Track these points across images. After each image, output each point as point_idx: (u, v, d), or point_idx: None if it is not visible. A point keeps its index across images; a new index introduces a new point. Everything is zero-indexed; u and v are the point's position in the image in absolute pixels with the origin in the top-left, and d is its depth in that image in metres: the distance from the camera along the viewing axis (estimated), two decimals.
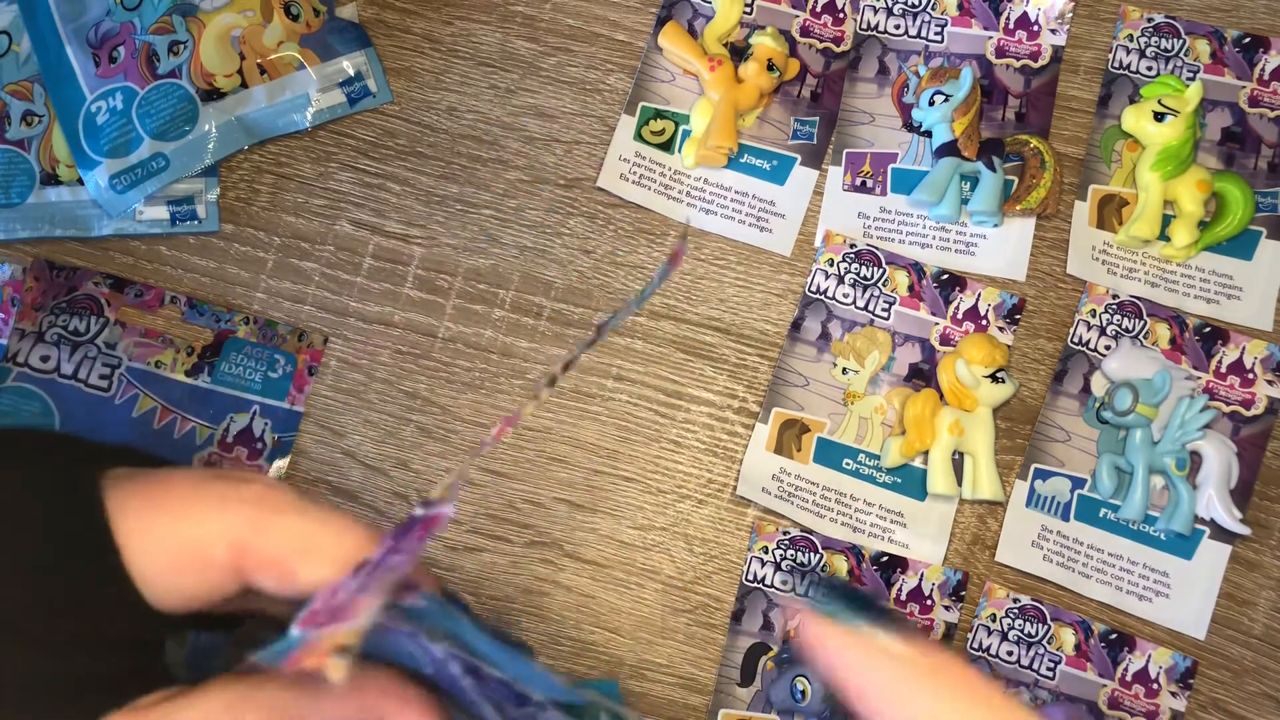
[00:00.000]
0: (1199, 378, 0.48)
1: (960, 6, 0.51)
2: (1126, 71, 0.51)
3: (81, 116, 0.50)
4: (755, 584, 0.47)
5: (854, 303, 0.49)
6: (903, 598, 0.47)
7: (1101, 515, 0.47)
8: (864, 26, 0.52)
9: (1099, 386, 0.48)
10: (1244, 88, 0.50)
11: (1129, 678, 0.46)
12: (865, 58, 0.51)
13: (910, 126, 0.51)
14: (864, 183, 0.50)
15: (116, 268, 0.50)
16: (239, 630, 0.34)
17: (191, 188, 0.51)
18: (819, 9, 0.52)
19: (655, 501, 0.48)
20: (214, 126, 0.50)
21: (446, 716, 0.32)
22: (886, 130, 0.51)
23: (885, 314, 0.49)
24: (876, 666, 0.28)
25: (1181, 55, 0.51)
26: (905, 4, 0.51)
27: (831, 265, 0.49)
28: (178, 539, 0.28)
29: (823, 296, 0.49)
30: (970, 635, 0.47)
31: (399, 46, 0.52)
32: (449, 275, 0.50)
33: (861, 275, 0.49)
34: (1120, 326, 0.48)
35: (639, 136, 0.51)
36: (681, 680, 0.47)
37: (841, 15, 0.52)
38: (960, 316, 0.49)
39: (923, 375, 0.49)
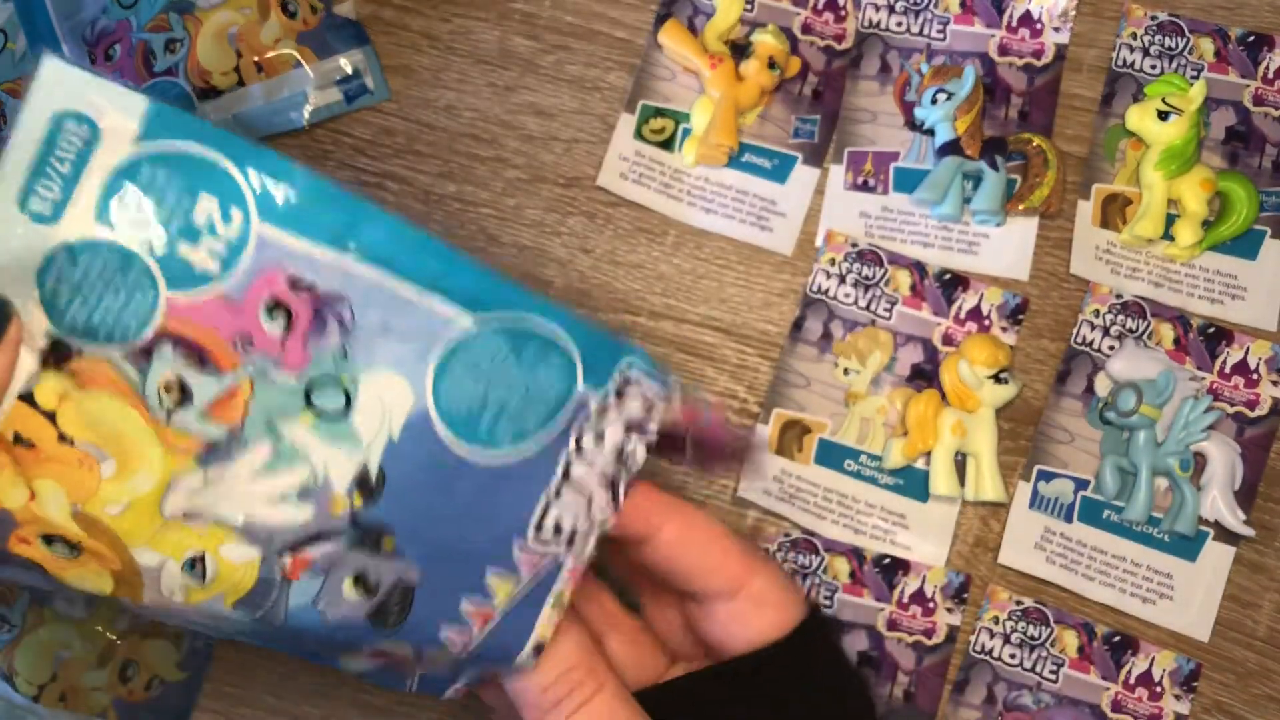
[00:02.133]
0: (1203, 378, 0.48)
1: (963, 4, 0.51)
2: (1130, 70, 0.50)
3: None
4: None
5: (856, 302, 0.49)
6: (905, 600, 0.47)
7: (1105, 517, 0.47)
8: (866, 24, 0.51)
9: (1102, 387, 0.48)
10: (1248, 86, 0.50)
11: (1132, 681, 0.46)
12: (867, 56, 0.51)
13: (912, 125, 0.50)
14: (866, 181, 0.50)
15: None
16: None
17: None
18: (820, 6, 0.51)
19: None
20: None
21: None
22: (888, 129, 0.51)
23: (887, 314, 0.49)
24: None
25: (1185, 54, 0.50)
26: (907, 2, 0.51)
27: (833, 265, 0.49)
28: None
29: (824, 296, 0.49)
30: (973, 638, 0.46)
31: (397, 44, 0.52)
32: None
33: (863, 275, 0.49)
34: (1124, 327, 0.48)
35: (639, 135, 0.51)
36: None
37: (843, 13, 0.51)
38: (963, 316, 0.48)
39: (925, 376, 0.48)
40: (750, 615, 0.36)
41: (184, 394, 0.30)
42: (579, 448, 0.33)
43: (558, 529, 0.33)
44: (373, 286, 0.31)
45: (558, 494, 0.33)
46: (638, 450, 0.34)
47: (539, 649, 0.33)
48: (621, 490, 0.33)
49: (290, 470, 0.31)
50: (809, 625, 0.36)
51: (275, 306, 0.30)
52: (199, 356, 0.30)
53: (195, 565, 0.31)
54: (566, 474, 0.33)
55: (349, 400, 0.31)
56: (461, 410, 0.32)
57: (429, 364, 0.31)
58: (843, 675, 0.38)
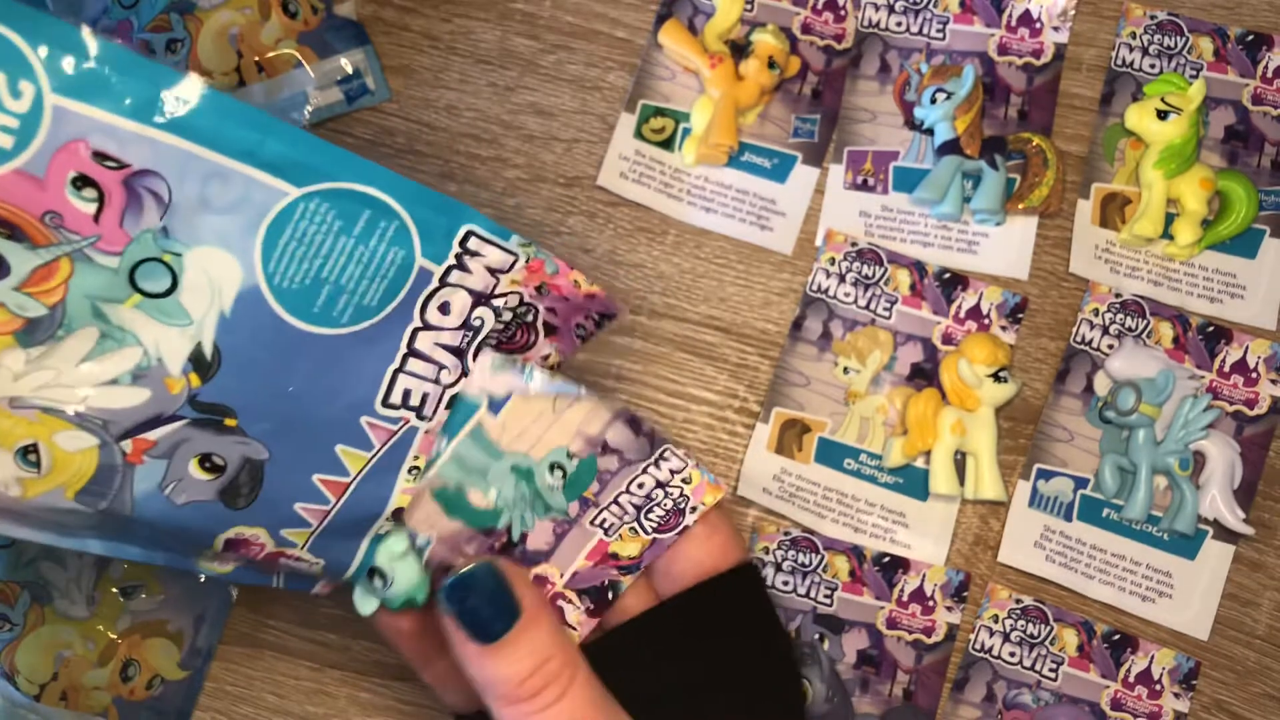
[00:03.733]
0: (1202, 377, 0.48)
1: (962, 4, 0.51)
2: (1129, 69, 0.51)
3: None
4: None
5: (855, 302, 0.49)
6: (905, 599, 0.47)
7: (1104, 515, 0.47)
8: (865, 24, 0.51)
9: (1102, 386, 0.48)
10: (1247, 85, 0.50)
11: (1132, 679, 0.46)
12: (867, 55, 0.51)
13: (912, 124, 0.50)
14: (865, 181, 0.50)
15: None
16: None
17: None
18: (820, 6, 0.51)
19: None
20: None
21: None
22: (888, 128, 0.51)
23: (887, 313, 0.49)
24: None
25: (1184, 53, 0.50)
26: (907, 1, 0.51)
27: (833, 264, 0.49)
28: None
29: (824, 295, 0.49)
30: (972, 636, 0.46)
31: (397, 44, 0.52)
32: None
33: (863, 274, 0.49)
34: (1123, 325, 0.48)
35: (639, 134, 0.51)
36: None
37: (843, 12, 0.51)
38: (962, 315, 0.49)
39: (925, 375, 0.48)
40: (705, 538, 0.38)
41: (0, 266, 0.29)
42: (424, 320, 0.33)
43: (406, 400, 0.33)
44: (186, 158, 0.29)
45: (403, 366, 0.33)
46: (485, 317, 0.34)
47: (398, 515, 0.34)
48: (470, 356, 0.34)
49: (120, 352, 0.30)
50: (752, 568, 0.39)
51: (82, 182, 0.29)
52: (9, 230, 0.29)
53: (29, 454, 0.30)
54: (411, 346, 0.33)
55: (175, 279, 0.30)
56: (294, 285, 0.31)
57: (255, 237, 0.30)
58: (774, 625, 0.39)
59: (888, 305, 0.49)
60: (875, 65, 0.51)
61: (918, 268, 0.49)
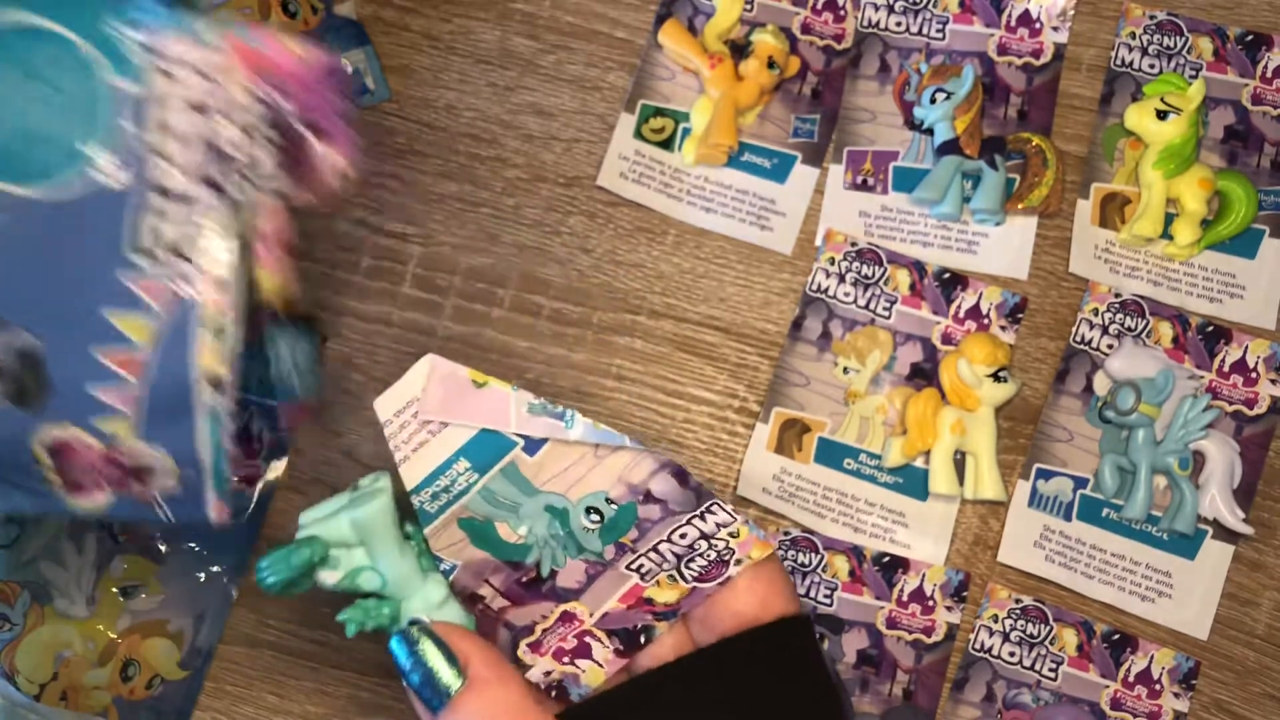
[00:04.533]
0: (1202, 377, 0.48)
1: (962, 4, 0.51)
2: (1129, 69, 0.51)
3: None
4: None
5: (855, 301, 0.49)
6: (904, 598, 0.47)
7: (1104, 515, 0.47)
8: (865, 24, 0.51)
9: (1101, 386, 0.48)
10: (1246, 86, 0.50)
11: (1131, 678, 0.46)
12: (866, 55, 0.51)
13: (912, 124, 0.50)
14: (865, 181, 0.50)
15: None
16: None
17: None
18: (820, 6, 0.52)
19: None
20: None
21: None
22: (888, 128, 0.51)
23: (887, 313, 0.49)
24: None
25: (1184, 53, 0.50)
26: (906, 1, 0.51)
27: (833, 264, 0.49)
28: None
29: (824, 295, 0.49)
30: (972, 636, 0.46)
31: (397, 44, 0.52)
32: (447, 274, 0.50)
33: (863, 274, 0.49)
34: (1123, 325, 0.48)
35: (639, 134, 0.51)
36: None
37: (842, 12, 0.51)
38: (962, 315, 0.49)
39: (924, 374, 0.48)
40: (746, 589, 0.36)
41: None
42: (150, 149, 0.30)
43: (159, 241, 0.30)
44: None
45: (149, 206, 0.30)
46: (233, 138, 0.31)
47: (216, 383, 0.31)
48: (228, 185, 0.31)
49: None
50: (803, 620, 0.37)
51: None
52: None
53: None
54: (152, 184, 0.30)
55: None
56: None
57: None
58: (820, 681, 0.37)
59: (887, 305, 0.49)
60: (875, 65, 0.51)
61: (917, 268, 0.49)
